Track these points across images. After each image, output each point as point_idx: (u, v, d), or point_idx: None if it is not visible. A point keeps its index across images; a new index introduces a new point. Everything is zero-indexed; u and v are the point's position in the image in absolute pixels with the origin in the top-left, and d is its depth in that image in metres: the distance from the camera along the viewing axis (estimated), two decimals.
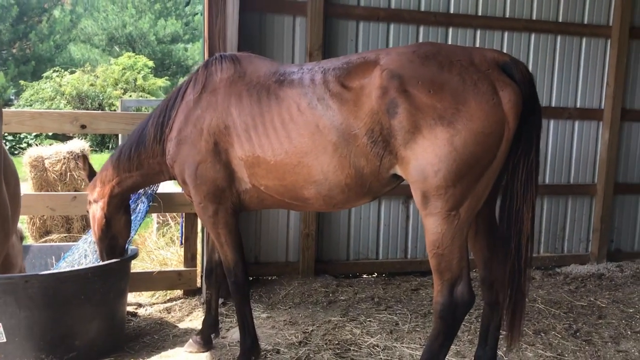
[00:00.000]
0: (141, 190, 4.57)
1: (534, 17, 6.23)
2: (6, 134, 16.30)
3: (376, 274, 6.15)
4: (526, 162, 3.02)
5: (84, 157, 4.25)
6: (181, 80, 22.87)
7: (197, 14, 31.46)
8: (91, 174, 4.23)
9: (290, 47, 5.64)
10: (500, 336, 3.53)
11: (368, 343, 4.25)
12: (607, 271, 6.36)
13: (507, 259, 3.15)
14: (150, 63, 23.66)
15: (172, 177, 3.96)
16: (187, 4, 31.53)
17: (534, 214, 3.11)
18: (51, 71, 21.87)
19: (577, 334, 4.53)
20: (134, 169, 3.92)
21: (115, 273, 4.14)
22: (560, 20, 6.30)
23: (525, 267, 3.11)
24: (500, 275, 3.35)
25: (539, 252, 6.53)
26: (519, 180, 3.03)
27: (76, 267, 4.17)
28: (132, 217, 4.45)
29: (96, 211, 4.07)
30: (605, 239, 6.65)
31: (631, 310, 5.12)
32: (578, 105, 6.50)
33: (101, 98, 20.31)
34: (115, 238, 4.14)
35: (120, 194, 4.06)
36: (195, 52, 29.34)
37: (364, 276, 6.11)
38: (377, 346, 4.21)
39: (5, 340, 3.72)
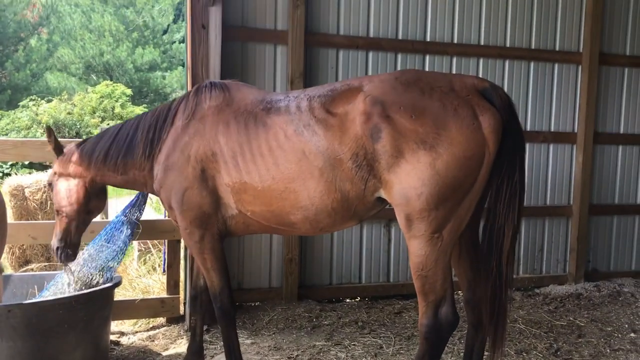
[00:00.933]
0: (124, 217, 4.57)
1: (508, 44, 6.43)
2: None
3: (359, 298, 6.18)
4: (510, 183, 3.11)
5: (49, 129, 4.21)
6: None
7: (174, 42, 31.59)
8: (57, 146, 4.16)
9: (272, 75, 5.74)
10: (484, 356, 3.58)
11: None
12: (585, 291, 6.47)
13: (488, 279, 3.22)
14: (128, 91, 23.59)
15: (153, 191, 3.97)
16: (165, 32, 31.65)
17: (516, 235, 3.18)
18: (27, 100, 21.67)
19: (558, 353, 4.60)
20: (117, 173, 3.93)
21: (98, 301, 4.11)
22: (532, 47, 6.51)
23: (506, 287, 3.19)
24: (484, 297, 3.41)
25: (519, 273, 6.63)
26: (503, 201, 3.12)
27: (59, 296, 4.13)
28: (115, 245, 4.44)
29: (72, 186, 4.02)
30: (583, 259, 6.78)
31: (609, 329, 5.22)
32: (552, 129, 6.68)
33: (79, 126, 20.15)
34: (91, 212, 4.16)
35: (100, 182, 4.08)
36: (174, 80, 29.38)
37: (347, 300, 6.13)
38: None
39: None
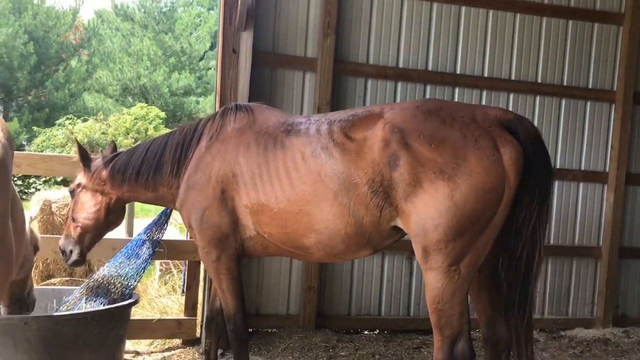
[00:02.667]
0: (146, 236, 4.60)
1: (539, 80, 6.36)
2: (15, 177, 16.47)
3: (378, 331, 6.07)
4: (540, 212, 3.04)
5: (77, 142, 4.28)
6: None
7: (210, 68, 32.18)
8: (84, 157, 4.22)
9: (300, 101, 5.77)
10: None
11: None
12: (613, 336, 6.25)
13: (510, 317, 3.13)
14: (162, 114, 24.04)
15: None
16: (201, 58, 32.30)
17: (539, 266, 3.10)
18: (64, 119, 22.25)
19: None
20: (148, 190, 4.00)
21: (114, 318, 4.11)
22: (565, 83, 6.42)
23: (526, 319, 3.10)
24: (503, 335, 3.32)
25: (543, 314, 6.44)
26: (530, 231, 3.04)
27: (75, 311, 4.15)
28: (136, 264, 4.46)
29: (96, 202, 4.09)
30: (611, 303, 6.56)
31: None
32: (582, 168, 6.54)
33: (109, 144, 20.53)
34: (108, 227, 4.23)
35: (128, 198, 4.17)
36: (207, 105, 29.85)
37: (365, 332, 6.03)
38: None
39: None
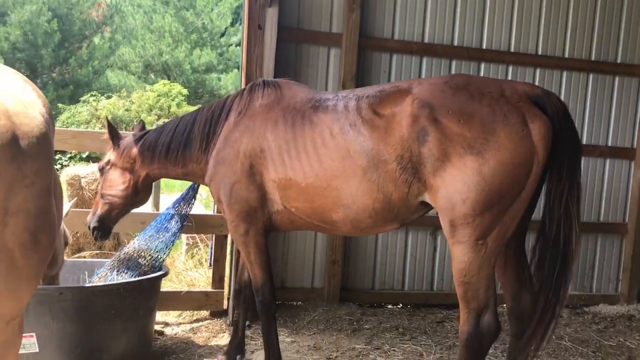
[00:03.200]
0: (174, 211, 4.69)
1: (567, 55, 6.28)
2: None
3: (401, 305, 6.13)
4: (571, 187, 3.03)
5: (108, 121, 4.37)
6: None
7: (231, 45, 32.12)
8: (114, 135, 4.30)
9: (324, 77, 5.78)
10: None
11: None
12: (638, 312, 6.24)
13: (543, 291, 3.12)
14: (185, 91, 24.14)
15: None
16: (223, 35, 32.24)
17: (577, 242, 3.08)
18: (88, 95, 22.47)
19: None
20: (178, 166, 4.06)
21: (145, 290, 4.22)
22: (593, 58, 6.33)
23: (561, 298, 3.09)
24: (529, 308, 3.35)
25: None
26: (563, 207, 3.03)
27: (108, 282, 4.28)
28: (165, 237, 4.57)
29: (125, 179, 4.18)
30: (636, 280, 6.54)
31: None
32: (609, 144, 6.48)
33: (136, 123, 20.74)
34: (135, 205, 4.34)
35: (157, 175, 4.25)
36: (229, 82, 29.88)
37: (389, 306, 6.10)
38: None
39: (37, 350, 3.81)
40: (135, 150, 4.17)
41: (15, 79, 2.06)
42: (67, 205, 4.23)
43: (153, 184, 4.53)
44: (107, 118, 4.61)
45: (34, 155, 1.89)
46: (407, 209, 3.23)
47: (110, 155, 4.27)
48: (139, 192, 4.27)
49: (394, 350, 4.71)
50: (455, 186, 2.95)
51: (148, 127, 4.60)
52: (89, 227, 4.29)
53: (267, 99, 3.73)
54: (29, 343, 3.81)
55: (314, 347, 4.70)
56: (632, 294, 6.53)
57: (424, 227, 6.04)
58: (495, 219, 2.95)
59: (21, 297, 2.02)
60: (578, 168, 3.10)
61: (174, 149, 4.00)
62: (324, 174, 3.32)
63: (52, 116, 2.20)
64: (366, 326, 5.30)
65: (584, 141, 6.36)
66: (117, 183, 4.20)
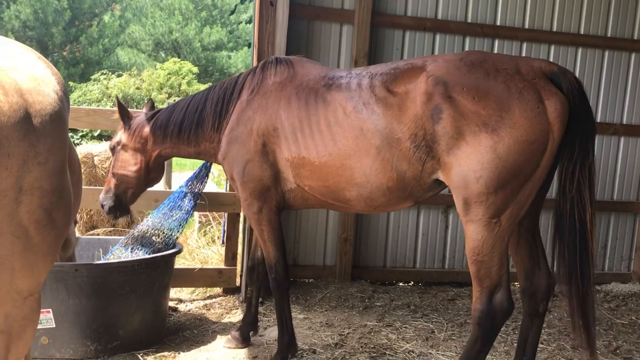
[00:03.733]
0: (187, 189, 4.72)
1: (582, 32, 6.19)
2: None
3: (412, 283, 6.16)
4: (583, 168, 3.01)
5: (119, 101, 4.36)
6: None
7: (241, 22, 31.97)
8: (124, 115, 4.29)
9: (337, 54, 5.74)
10: (538, 348, 3.52)
11: (404, 348, 4.27)
12: None
13: (567, 274, 3.11)
14: (195, 69, 24.12)
15: None
16: (232, 12, 32.08)
17: (593, 222, 3.06)
18: (99, 74, 22.49)
19: (617, 351, 4.46)
20: (191, 145, 4.06)
21: (160, 267, 4.27)
22: (609, 35, 6.24)
23: (589, 278, 3.08)
24: (542, 287, 3.35)
25: None
26: (575, 187, 3.01)
27: (123, 259, 4.32)
28: (178, 215, 4.60)
29: (137, 159, 4.19)
30: None
31: None
32: (624, 122, 6.41)
33: (146, 101, 20.78)
34: (148, 184, 4.36)
35: (169, 154, 4.26)
36: (239, 60, 29.80)
37: (400, 284, 6.13)
38: (413, 352, 4.23)
39: (54, 325, 3.88)
40: (146, 130, 4.17)
41: (29, 55, 2.06)
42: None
43: (165, 163, 4.54)
44: (117, 97, 4.58)
45: (47, 132, 1.90)
46: (420, 187, 3.22)
47: (121, 135, 4.26)
48: (151, 171, 4.28)
49: (405, 327, 4.74)
50: (469, 164, 2.93)
51: (158, 106, 4.60)
52: (103, 206, 4.31)
53: (279, 77, 3.71)
54: (46, 319, 3.88)
55: (326, 323, 4.74)
56: None
57: (436, 205, 6.04)
58: (509, 197, 2.94)
59: (38, 273, 2.04)
60: (591, 149, 3.06)
61: (186, 127, 4.00)
62: (338, 152, 3.31)
63: (66, 93, 2.20)
64: (378, 303, 5.33)
65: (599, 119, 6.30)
66: (129, 163, 4.21)
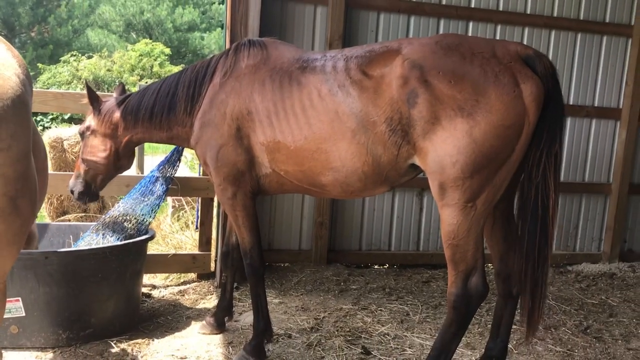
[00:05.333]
0: (159, 173, 4.64)
1: (555, 14, 6.22)
2: None
3: (387, 265, 6.19)
4: (549, 155, 3.01)
5: (88, 85, 4.24)
6: None
7: (214, 3, 31.51)
8: (94, 99, 4.17)
9: (311, 36, 5.67)
10: (512, 329, 3.56)
11: (379, 331, 4.29)
12: (619, 271, 6.35)
13: (525, 255, 3.15)
14: (167, 50, 23.77)
15: None
16: None
17: (555, 208, 3.09)
18: (69, 55, 22.04)
19: (588, 330, 4.54)
20: (163, 130, 3.97)
21: (132, 253, 4.20)
22: (581, 17, 6.29)
23: (544, 262, 3.12)
24: (517, 271, 3.37)
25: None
26: (540, 174, 3.02)
27: (94, 246, 4.24)
28: (150, 200, 4.52)
29: (106, 145, 4.09)
30: (618, 239, 6.65)
31: None
32: (596, 104, 6.49)
33: (117, 83, 20.46)
34: (118, 170, 4.26)
35: (140, 140, 4.16)
36: (212, 41, 29.40)
37: (376, 267, 6.15)
38: (388, 335, 4.25)
39: (24, 314, 3.80)
40: (117, 115, 4.06)
41: None
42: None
43: (136, 147, 4.44)
44: (86, 81, 4.44)
45: (8, 117, 1.82)
46: (396, 171, 3.20)
47: (91, 120, 4.15)
48: (121, 157, 4.18)
49: (380, 310, 4.76)
50: (445, 149, 2.92)
51: (130, 88, 4.50)
52: (72, 192, 4.21)
53: (253, 59, 3.63)
54: (15, 307, 3.79)
55: (302, 307, 4.73)
56: (614, 252, 6.64)
57: (411, 188, 6.05)
58: (485, 181, 2.93)
59: (2, 263, 1.97)
60: (559, 136, 3.06)
61: (158, 112, 3.91)
62: (313, 136, 3.27)
63: (29, 77, 2.11)
64: (353, 287, 5.34)
65: (571, 101, 6.37)
66: (98, 149, 4.10)
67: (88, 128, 4.14)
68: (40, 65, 22.98)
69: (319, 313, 4.62)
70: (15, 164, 1.87)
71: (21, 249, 2.11)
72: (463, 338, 4.01)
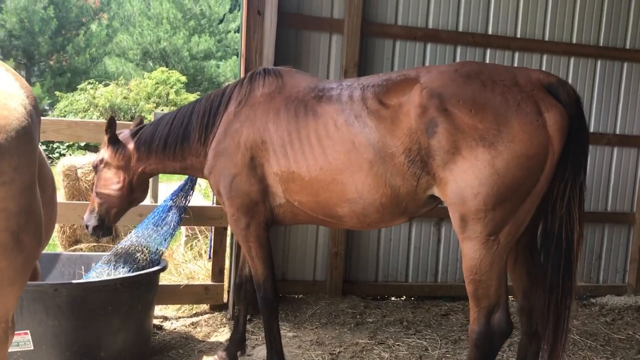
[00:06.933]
0: (172, 202, 4.57)
1: (574, 41, 6.12)
2: (41, 143, 16.61)
3: (405, 297, 6.03)
4: (574, 186, 2.90)
5: (111, 120, 4.17)
6: None
7: (230, 31, 31.86)
8: (113, 137, 4.11)
9: (326, 64, 5.62)
10: None
11: None
12: None
13: (548, 288, 3.02)
14: (183, 78, 23.95)
15: None
16: (221, 21, 31.96)
17: (580, 242, 2.97)
18: (86, 83, 22.27)
19: None
20: (177, 161, 3.92)
21: (143, 285, 4.11)
22: (601, 44, 6.18)
23: (568, 296, 2.98)
24: (539, 305, 3.22)
25: None
26: (565, 205, 2.90)
27: (105, 278, 4.15)
28: (163, 230, 4.44)
29: (120, 179, 4.04)
30: None
31: None
32: (617, 132, 6.34)
33: (134, 111, 20.62)
34: (132, 203, 4.20)
35: (153, 171, 4.10)
36: (227, 69, 29.64)
37: (392, 299, 5.99)
38: None
39: (32, 348, 3.70)
40: (130, 146, 4.02)
41: None
42: None
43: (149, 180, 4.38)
44: (112, 116, 4.36)
45: (12, 150, 1.75)
46: (415, 203, 3.10)
47: (104, 152, 4.10)
48: (135, 189, 4.12)
49: (398, 344, 4.60)
50: (466, 180, 2.81)
51: (147, 116, 4.46)
52: (87, 226, 4.15)
53: (268, 88, 3.58)
54: (24, 340, 3.71)
55: (317, 342, 4.59)
56: None
57: (428, 218, 5.92)
58: (508, 213, 2.82)
59: (5, 301, 1.88)
60: (583, 166, 2.95)
61: (172, 142, 3.86)
62: (329, 167, 3.18)
63: (37, 108, 2.05)
64: (369, 320, 5.19)
65: (592, 129, 6.23)
66: (112, 182, 4.05)
67: (102, 161, 4.09)
68: (57, 93, 23.26)
69: (335, 347, 4.47)
70: (18, 198, 1.80)
71: (24, 286, 2.02)
72: None
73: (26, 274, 1.97)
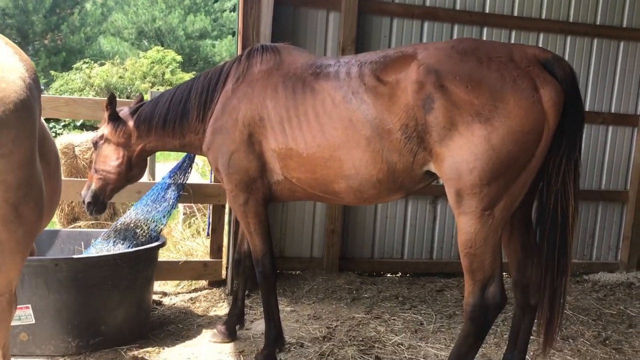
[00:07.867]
0: (171, 180, 4.60)
1: (571, 20, 6.13)
2: None
3: (400, 274, 6.11)
4: (569, 162, 2.94)
5: (112, 97, 4.15)
6: None
7: (225, 10, 31.64)
8: (113, 114, 4.11)
9: (323, 41, 5.63)
10: (530, 340, 3.46)
11: (392, 341, 4.21)
12: (637, 280, 6.23)
13: (544, 264, 3.07)
14: (179, 58, 23.82)
15: None
16: (216, 0, 31.71)
17: (575, 216, 3.02)
18: (81, 62, 22.13)
19: (607, 341, 4.43)
20: (176, 138, 3.95)
21: (143, 261, 4.16)
22: (598, 23, 6.19)
23: (563, 271, 3.04)
24: (533, 278, 3.28)
25: None
26: (560, 181, 2.95)
27: (105, 253, 4.20)
28: (161, 207, 4.48)
29: (119, 155, 4.06)
30: (636, 248, 6.53)
31: None
32: (613, 110, 6.38)
33: (129, 90, 20.54)
34: (130, 180, 4.21)
35: (153, 148, 4.13)
36: (223, 49, 29.48)
37: (388, 275, 6.07)
38: (402, 344, 4.17)
39: (34, 322, 3.76)
40: (130, 124, 4.04)
41: None
42: None
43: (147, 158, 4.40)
44: (112, 94, 4.36)
45: (10, 123, 1.77)
46: (411, 178, 3.14)
47: (104, 129, 4.12)
48: (134, 167, 4.14)
49: (394, 319, 4.68)
50: (462, 155, 2.85)
51: (143, 96, 4.46)
52: (84, 202, 4.18)
53: (266, 65, 3.59)
54: (25, 315, 3.76)
55: (314, 316, 4.66)
56: (632, 261, 6.52)
57: (424, 196, 5.97)
58: (503, 188, 2.86)
59: (7, 273, 1.92)
60: (579, 142, 2.99)
61: (171, 119, 3.88)
62: (326, 144, 3.21)
63: (37, 81, 2.07)
64: (365, 295, 5.26)
65: (587, 108, 6.26)
66: (111, 159, 4.07)
67: (101, 137, 4.11)
68: (52, 72, 23.12)
69: (332, 322, 4.55)
70: (17, 170, 1.82)
71: (26, 258, 2.05)
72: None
73: (28, 246, 2.00)
